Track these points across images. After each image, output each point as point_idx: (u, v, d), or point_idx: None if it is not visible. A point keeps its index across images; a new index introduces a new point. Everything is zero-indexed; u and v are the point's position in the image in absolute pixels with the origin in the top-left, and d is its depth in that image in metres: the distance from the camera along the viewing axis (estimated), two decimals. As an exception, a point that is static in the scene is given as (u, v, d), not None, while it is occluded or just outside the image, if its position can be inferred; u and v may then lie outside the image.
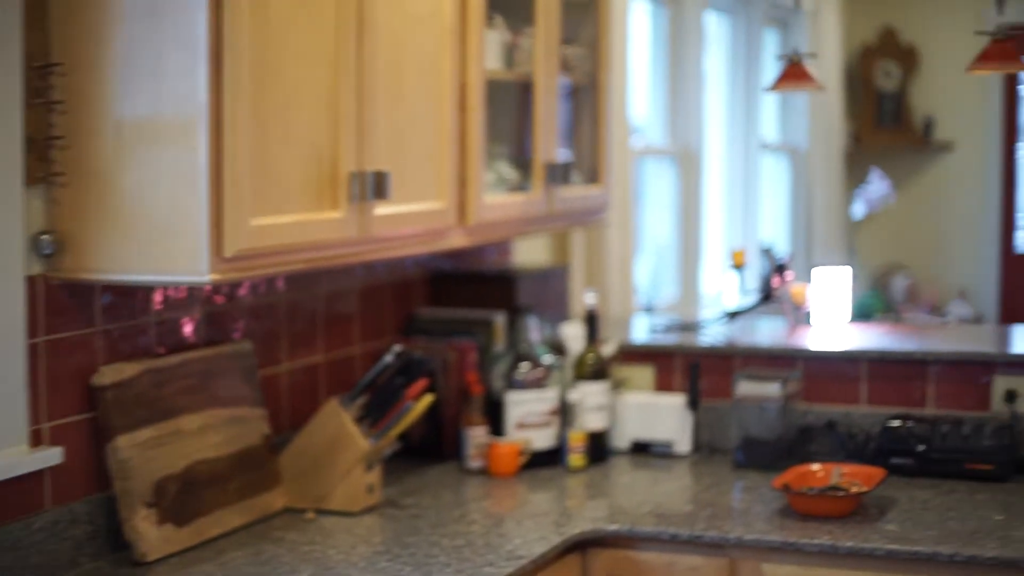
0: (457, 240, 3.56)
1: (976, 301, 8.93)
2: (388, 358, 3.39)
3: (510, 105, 4.01)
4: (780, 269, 4.38)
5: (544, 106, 3.91)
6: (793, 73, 4.46)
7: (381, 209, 3.15)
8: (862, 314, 8.21)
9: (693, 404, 3.99)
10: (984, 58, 4.28)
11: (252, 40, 2.73)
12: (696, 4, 6.52)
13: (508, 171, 3.91)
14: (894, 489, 3.59)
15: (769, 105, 7.99)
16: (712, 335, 4.29)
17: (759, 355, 4.09)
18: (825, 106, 8.18)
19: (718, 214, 7.26)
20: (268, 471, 3.33)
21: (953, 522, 3.31)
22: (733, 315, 4.43)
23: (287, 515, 3.32)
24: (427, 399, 3.40)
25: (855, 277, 8.59)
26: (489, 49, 3.73)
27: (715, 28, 7.27)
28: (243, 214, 2.72)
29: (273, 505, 3.32)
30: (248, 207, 2.74)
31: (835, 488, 3.42)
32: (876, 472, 3.50)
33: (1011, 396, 3.85)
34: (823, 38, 8.16)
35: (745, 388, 3.90)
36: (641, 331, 4.60)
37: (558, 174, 3.95)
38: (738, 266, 4.38)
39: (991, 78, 8.62)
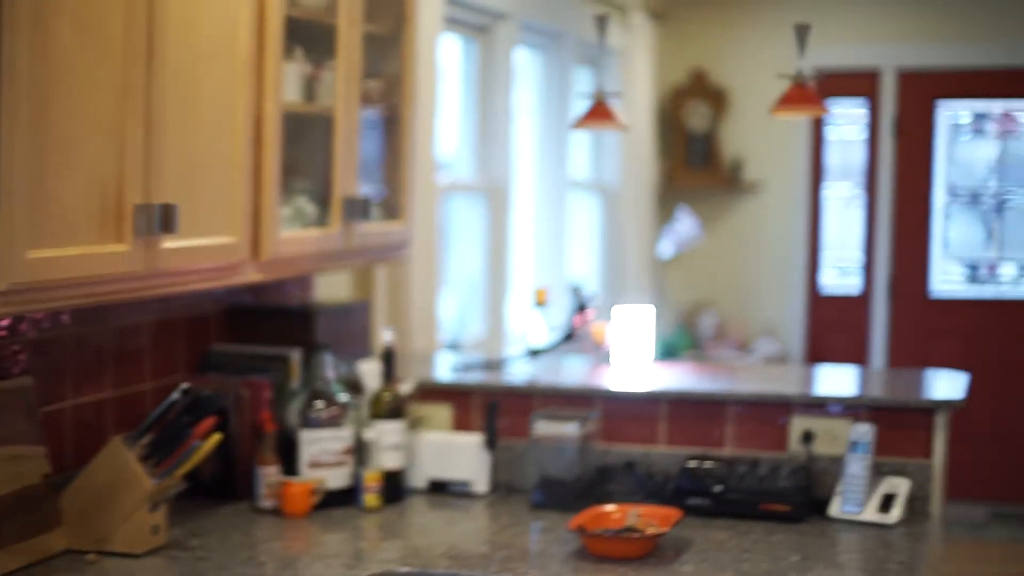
0: (250, 275, 3.48)
1: (783, 339, 9.06)
2: (175, 395, 3.29)
3: (313, 139, 3.93)
4: (582, 308, 4.37)
5: (344, 140, 3.85)
6: (597, 112, 4.45)
7: (169, 243, 3.05)
8: (669, 352, 8.29)
9: (491, 443, 3.95)
10: (786, 101, 4.33)
11: (32, 64, 2.62)
12: (507, 40, 6.51)
13: (307, 206, 3.84)
14: (691, 530, 3.58)
15: (581, 143, 8.03)
16: (513, 374, 4.26)
17: (558, 394, 4.06)
18: (636, 145, 8.24)
19: (527, 251, 7.25)
20: (48, 512, 3.20)
21: (748, 563, 3.30)
22: (535, 353, 4.40)
23: (68, 557, 3.19)
24: (215, 438, 3.30)
25: (664, 315, 8.71)
26: (288, 82, 3.66)
27: (527, 65, 7.28)
28: (19, 246, 2.61)
29: (53, 547, 3.19)
30: (24, 239, 2.62)
31: (631, 529, 3.39)
32: (672, 513, 3.48)
33: (808, 437, 3.87)
34: (634, 78, 8.22)
35: (543, 428, 3.87)
36: (441, 369, 4.55)
37: (357, 209, 3.89)
38: (541, 304, 4.35)
39: (799, 120, 8.78)
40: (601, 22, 4.56)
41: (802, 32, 4.32)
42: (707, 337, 8.98)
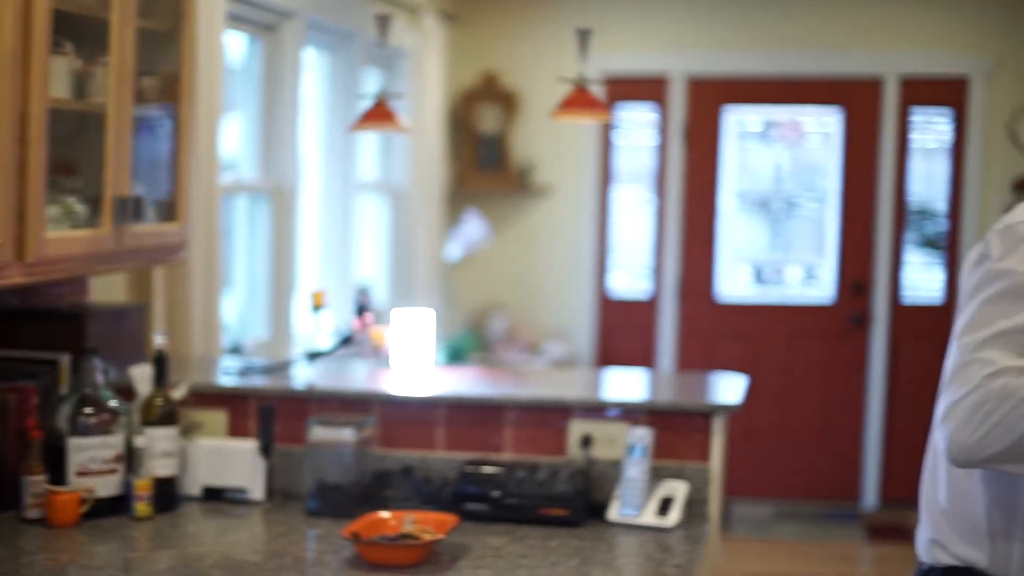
0: (15, 277, 3.35)
1: (572, 341, 9.11)
2: (-68, 403, 3.17)
3: (85, 137, 3.82)
4: (362, 311, 4.31)
5: (116, 139, 3.74)
6: (377, 113, 4.41)
7: (-76, 243, 2.94)
8: (457, 354, 8.27)
9: (266, 450, 3.87)
10: (568, 105, 4.34)
11: None
12: (294, 39, 6.43)
13: (77, 206, 3.72)
14: (468, 536, 3.55)
15: (370, 144, 7.97)
16: (291, 378, 4.18)
17: (336, 399, 4.00)
18: (426, 147, 8.20)
19: (314, 253, 7.17)
20: None
21: (524, 569, 3.28)
22: (314, 357, 4.33)
23: None
24: (-26, 446, 3.19)
25: (453, 317, 8.69)
26: (57, 78, 3.54)
27: (315, 65, 7.20)
28: None
29: None
30: None
31: (407, 536, 3.35)
32: (448, 519, 3.45)
33: (586, 441, 3.87)
34: (425, 79, 8.18)
35: (319, 433, 3.81)
36: (218, 373, 4.46)
37: (129, 210, 3.78)
38: (318, 307, 4.28)
39: (589, 124, 8.83)
40: (383, 22, 4.52)
41: (584, 36, 4.33)
42: (497, 339, 8.99)
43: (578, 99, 4.30)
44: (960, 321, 2.73)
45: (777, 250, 9.34)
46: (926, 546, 2.92)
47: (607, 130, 9.11)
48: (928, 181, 9.08)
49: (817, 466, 9.07)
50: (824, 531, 8.52)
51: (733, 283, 9.26)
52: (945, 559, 2.86)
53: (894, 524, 8.55)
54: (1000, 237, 2.71)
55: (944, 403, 2.65)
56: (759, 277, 9.33)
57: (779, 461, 9.07)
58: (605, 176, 9.19)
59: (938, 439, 2.73)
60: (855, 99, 9.02)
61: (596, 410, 3.90)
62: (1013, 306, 2.64)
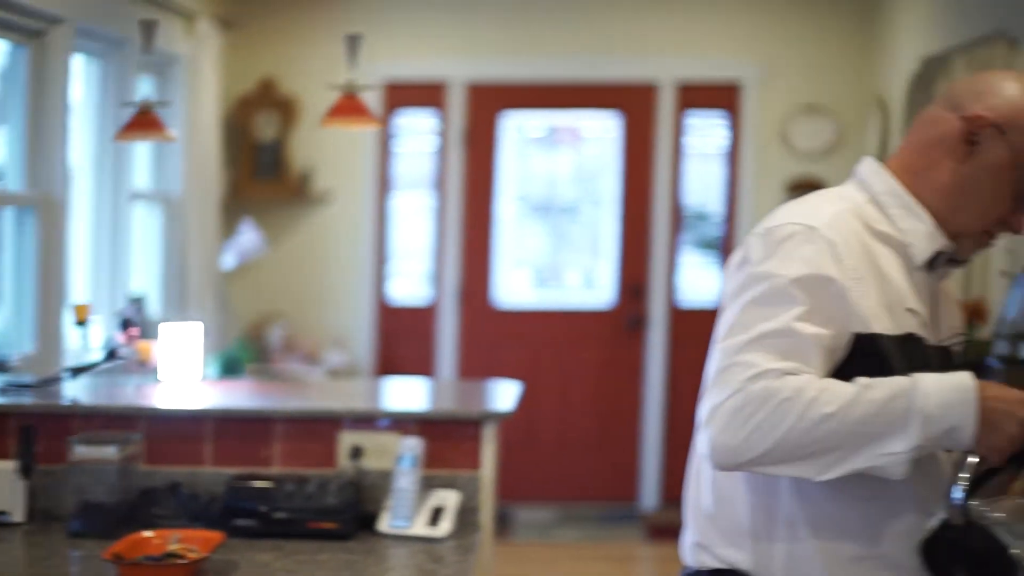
0: None
1: (353, 349, 9.05)
2: None
3: None
4: (126, 325, 4.21)
5: None
6: (141, 122, 4.31)
7: None
8: (232, 366, 8.15)
9: (26, 470, 3.76)
10: (336, 112, 4.30)
11: None
12: (62, 46, 6.27)
13: None
14: (236, 552, 3.49)
15: (144, 153, 7.81)
16: (56, 395, 4.07)
17: (100, 415, 3.89)
18: (201, 156, 8.07)
19: (85, 265, 7.00)
20: None
21: (293, 585, 3.24)
22: (77, 372, 4.22)
23: None
24: None
25: (229, 328, 8.56)
26: None
27: (87, 72, 7.03)
28: None
29: None
30: None
31: (171, 555, 3.27)
32: (214, 536, 3.38)
33: (356, 452, 3.83)
34: (201, 86, 8.06)
35: (81, 452, 3.71)
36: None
37: None
38: (81, 321, 4.17)
39: (367, 130, 8.78)
40: (147, 29, 4.43)
41: (353, 42, 4.30)
42: (276, 349, 8.89)
43: (346, 106, 4.27)
44: (722, 325, 2.75)
45: (557, 255, 9.40)
46: (691, 550, 2.95)
47: (386, 136, 9.08)
48: (705, 184, 9.21)
49: (597, 469, 9.15)
50: (604, 532, 8.61)
51: (514, 288, 9.30)
52: (709, 562, 2.89)
53: (673, 523, 8.54)
54: (760, 240, 2.74)
55: (706, 407, 2.66)
56: (540, 282, 9.39)
57: (560, 465, 9.13)
58: (384, 182, 9.16)
59: (701, 443, 2.75)
60: (633, 104, 9.12)
61: (366, 421, 3.87)
62: (773, 309, 2.66)
